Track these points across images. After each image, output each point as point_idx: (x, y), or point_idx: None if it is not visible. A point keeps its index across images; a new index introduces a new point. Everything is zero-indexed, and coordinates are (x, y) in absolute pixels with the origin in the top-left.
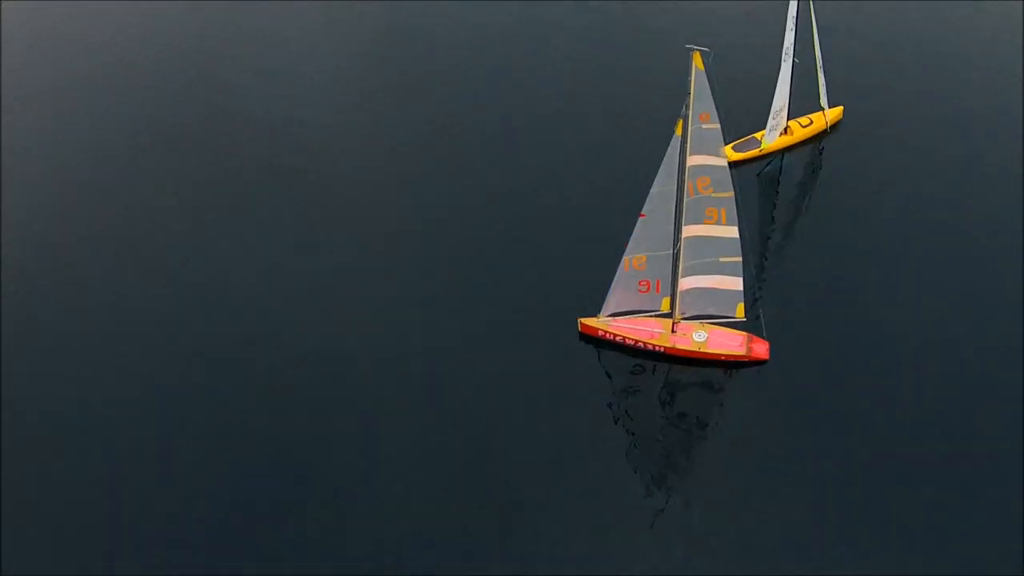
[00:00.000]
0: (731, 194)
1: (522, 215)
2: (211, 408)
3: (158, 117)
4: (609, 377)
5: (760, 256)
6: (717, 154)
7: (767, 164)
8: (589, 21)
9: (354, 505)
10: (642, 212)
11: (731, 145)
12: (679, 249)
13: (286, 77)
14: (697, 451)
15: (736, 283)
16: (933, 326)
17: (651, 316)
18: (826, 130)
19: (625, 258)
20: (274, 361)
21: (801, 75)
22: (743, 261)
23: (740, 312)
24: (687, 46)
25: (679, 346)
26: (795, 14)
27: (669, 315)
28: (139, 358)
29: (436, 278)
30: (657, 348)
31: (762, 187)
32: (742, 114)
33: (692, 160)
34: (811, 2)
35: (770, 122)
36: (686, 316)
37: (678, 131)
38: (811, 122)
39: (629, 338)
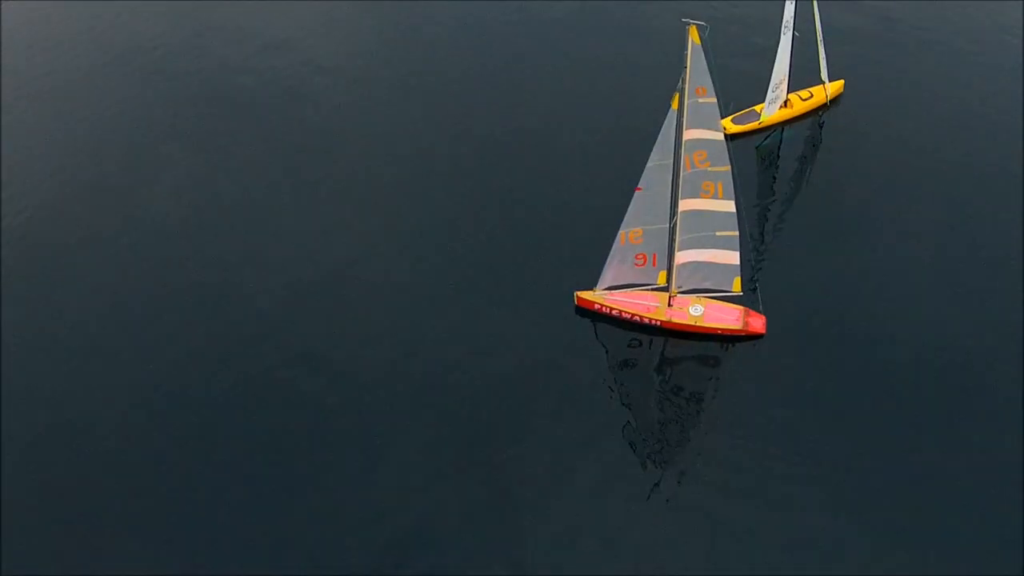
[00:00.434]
0: (727, 168)
1: (518, 188)
2: (209, 401)
3: (158, 116)
4: (605, 350)
5: (758, 230)
6: (714, 128)
7: (766, 137)
8: None
9: (349, 478)
10: (638, 186)
11: (731, 118)
12: (675, 223)
13: (286, 53)
14: (692, 425)
15: (733, 257)
16: (932, 302)
17: (647, 290)
18: (826, 104)
19: (621, 232)
20: (268, 339)
21: (801, 48)
22: (740, 235)
23: (737, 286)
24: (683, 20)
25: (675, 320)
26: None
27: (665, 289)
28: (137, 355)
29: (432, 251)
30: (653, 322)
31: (761, 160)
32: (742, 87)
33: (688, 134)
34: None
35: (769, 95)
36: (682, 290)
37: (674, 105)
38: (811, 95)
39: (625, 312)
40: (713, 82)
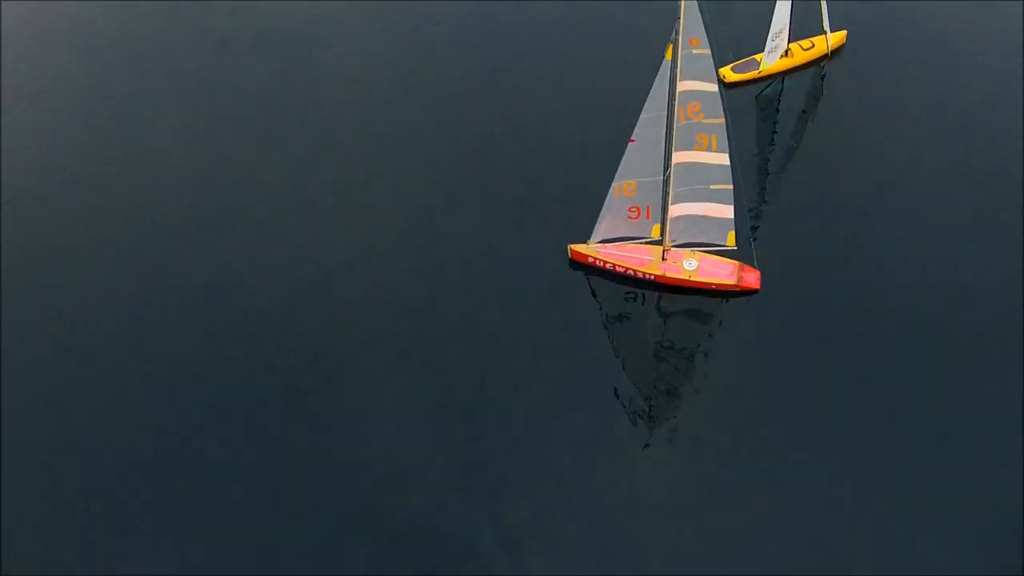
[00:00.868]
0: (722, 120)
1: (511, 140)
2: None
3: (160, 117)
4: (599, 304)
5: (753, 183)
6: (708, 79)
7: (766, 87)
8: None
9: (340, 432)
10: (632, 137)
11: (730, 66)
12: (669, 175)
13: (290, 40)
14: (683, 381)
15: (727, 211)
16: (931, 258)
17: (641, 243)
18: (827, 55)
19: (615, 184)
20: (264, 285)
21: None
22: (736, 188)
23: (731, 241)
24: None
25: (669, 274)
26: None
27: (659, 242)
28: (135, 350)
29: (426, 204)
30: (647, 276)
31: (760, 110)
32: (743, 35)
33: (682, 85)
34: None
35: (769, 44)
36: (676, 243)
37: (668, 56)
38: (812, 46)
39: (619, 265)
40: (707, 33)
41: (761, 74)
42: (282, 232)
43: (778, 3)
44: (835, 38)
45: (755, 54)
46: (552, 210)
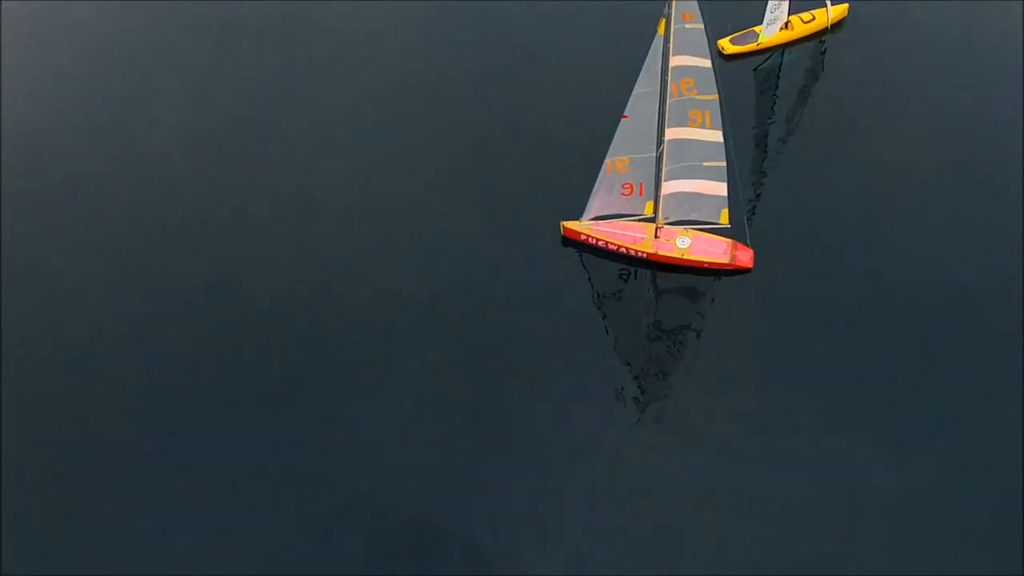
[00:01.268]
0: (715, 97)
1: (503, 116)
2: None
3: (160, 117)
4: (591, 282)
5: (749, 159)
6: (701, 54)
7: (765, 59)
8: None
9: (333, 405)
10: (624, 113)
11: (729, 38)
12: (662, 152)
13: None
14: (675, 359)
15: (720, 188)
16: (928, 238)
17: (634, 220)
18: (828, 28)
19: (607, 160)
20: (262, 275)
21: None
22: (730, 164)
23: (724, 218)
24: None
25: (662, 252)
26: None
27: (652, 219)
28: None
29: (419, 182)
30: (639, 254)
31: (758, 84)
32: (742, 6)
33: (675, 60)
34: None
35: (767, 15)
36: (669, 221)
37: (660, 30)
38: (813, 18)
39: (611, 243)
40: (701, 6)
41: (760, 46)
42: (276, 209)
43: None
44: (836, 11)
45: (754, 26)
46: (545, 186)
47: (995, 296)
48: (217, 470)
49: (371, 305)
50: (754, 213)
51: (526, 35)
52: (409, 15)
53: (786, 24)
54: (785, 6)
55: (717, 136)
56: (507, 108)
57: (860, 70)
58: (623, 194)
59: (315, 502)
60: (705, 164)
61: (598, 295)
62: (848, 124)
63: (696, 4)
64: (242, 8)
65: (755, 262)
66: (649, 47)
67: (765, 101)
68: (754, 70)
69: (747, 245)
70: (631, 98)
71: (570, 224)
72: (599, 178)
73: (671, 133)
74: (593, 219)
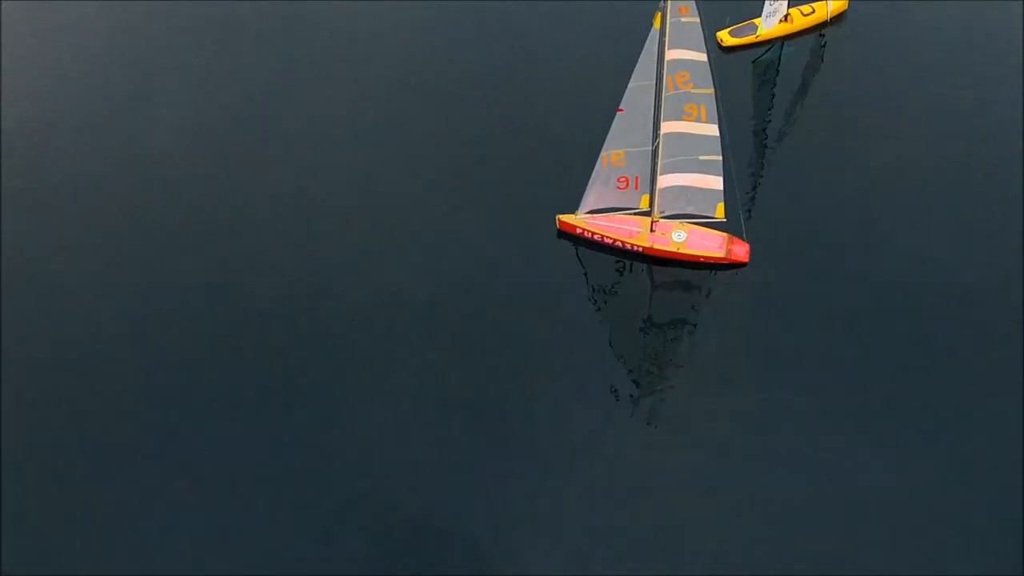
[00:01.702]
0: (711, 91)
1: (499, 110)
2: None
3: (161, 116)
4: (586, 276)
5: (746, 153)
6: (697, 48)
7: (764, 52)
8: None
9: (328, 396)
10: (620, 107)
11: (728, 30)
12: (658, 145)
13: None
14: (670, 353)
15: (716, 182)
16: (925, 234)
17: (630, 214)
18: (828, 21)
19: (603, 154)
20: (260, 274)
21: None
22: (727, 157)
23: (720, 212)
24: None
25: (657, 246)
26: None
27: (648, 213)
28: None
29: (416, 175)
30: (635, 247)
31: (756, 76)
32: None
33: (671, 54)
34: None
35: (767, 7)
36: (665, 214)
37: (656, 24)
38: (813, 11)
39: (607, 236)
40: (697, 2)
41: (759, 39)
42: (276, 208)
43: None
44: (836, 4)
45: (754, 18)
46: (541, 180)
47: (993, 290)
48: (217, 470)
49: (368, 301)
50: (750, 207)
51: (522, 30)
52: (409, 15)
53: (786, 17)
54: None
55: (713, 130)
56: (503, 102)
57: (859, 64)
58: (619, 188)
59: (315, 502)
60: (701, 158)
61: (594, 289)
62: (846, 118)
63: None
64: (242, 8)
65: (751, 256)
66: (645, 40)
67: (763, 94)
68: (753, 62)
69: (743, 239)
70: (627, 91)
71: (566, 218)
72: (595, 172)
73: (667, 127)
74: (589, 213)
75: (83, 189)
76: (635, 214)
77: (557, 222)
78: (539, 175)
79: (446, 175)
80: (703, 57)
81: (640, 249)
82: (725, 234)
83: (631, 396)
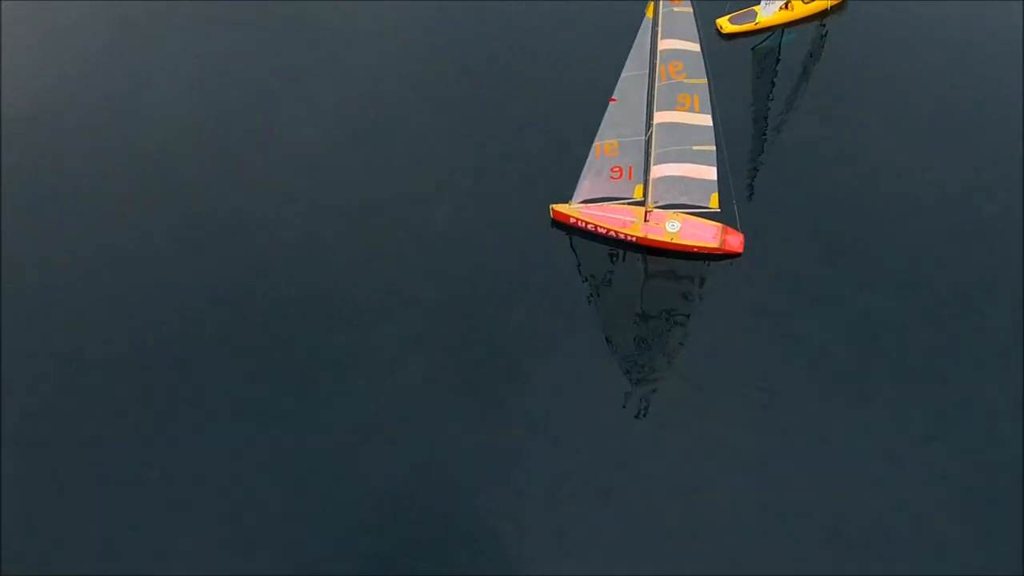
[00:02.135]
0: (704, 81)
1: (492, 99)
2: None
3: (161, 116)
4: (580, 266)
5: (743, 142)
6: (690, 38)
7: (763, 39)
8: None
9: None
10: (612, 96)
11: (728, 17)
12: (651, 135)
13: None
14: (663, 344)
15: (710, 172)
16: (920, 226)
17: (624, 204)
18: (828, 9)
19: (596, 143)
20: (257, 254)
21: None
22: (722, 147)
23: (714, 202)
24: None
25: (651, 236)
26: None
27: (642, 203)
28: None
29: (409, 165)
30: (629, 238)
31: (755, 64)
32: None
33: (664, 44)
34: None
35: None
36: (659, 204)
37: (649, 13)
38: None
39: (601, 226)
40: None
41: (758, 26)
42: (272, 195)
43: None
44: None
45: (754, 5)
46: (534, 170)
47: (992, 282)
48: (217, 470)
49: (362, 292)
50: (745, 197)
51: (516, 22)
52: (408, 15)
53: (786, 4)
54: None
55: (706, 120)
56: (496, 92)
57: (859, 53)
58: (612, 177)
59: (312, 501)
60: (694, 148)
61: (587, 279)
62: (844, 107)
63: None
64: (242, 8)
65: (745, 246)
66: (637, 30)
67: (761, 82)
68: (752, 50)
69: (737, 229)
70: (619, 81)
71: (560, 207)
72: (588, 161)
73: (660, 117)
74: (583, 202)
75: (83, 188)
76: (629, 204)
77: (551, 212)
78: (533, 165)
79: (439, 165)
80: (696, 47)
81: (634, 239)
82: (719, 224)
83: (623, 387)
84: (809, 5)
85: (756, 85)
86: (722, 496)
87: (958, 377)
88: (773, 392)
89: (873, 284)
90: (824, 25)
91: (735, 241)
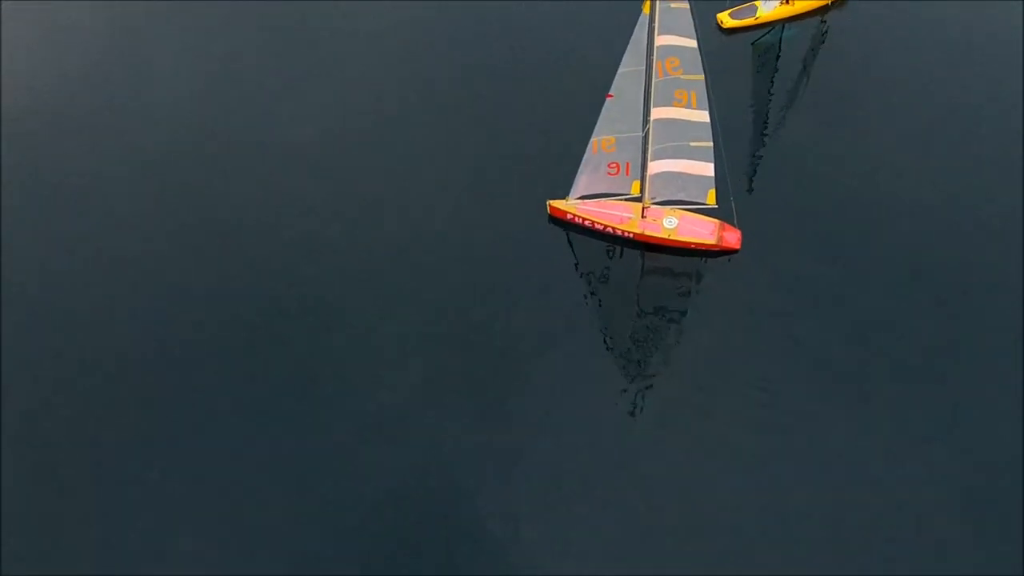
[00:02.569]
0: (701, 77)
1: (489, 95)
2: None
3: (162, 115)
4: (577, 262)
5: (741, 138)
6: (687, 35)
7: (764, 34)
8: None
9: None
10: (609, 92)
11: (728, 12)
12: (648, 131)
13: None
14: (660, 341)
15: (707, 168)
16: (919, 223)
17: (621, 200)
18: (828, 5)
19: (593, 140)
20: (257, 253)
21: None
22: (720, 143)
23: (711, 199)
24: None
25: (648, 232)
26: None
27: (639, 199)
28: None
29: (407, 161)
30: (626, 234)
31: (755, 59)
32: None
33: (660, 40)
34: None
35: None
36: (656, 201)
37: (645, 9)
38: None
39: (598, 222)
40: None
41: (759, 21)
42: (271, 190)
43: None
44: None
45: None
46: (531, 166)
47: (992, 276)
48: (217, 470)
49: (357, 288)
50: (743, 193)
51: (513, 18)
52: (408, 15)
53: None
54: None
55: (703, 116)
56: (493, 88)
57: (860, 49)
58: (609, 174)
59: (312, 501)
60: (692, 144)
61: (584, 275)
62: (843, 104)
63: None
64: (242, 8)
65: (743, 243)
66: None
67: (760, 77)
68: (752, 44)
69: (735, 226)
70: (616, 77)
71: (557, 203)
72: (585, 157)
73: (657, 113)
74: (580, 198)
75: (83, 188)
76: (626, 200)
77: (548, 208)
78: (530, 161)
79: (437, 161)
80: (693, 43)
81: (631, 235)
82: (717, 221)
83: (621, 385)
84: (810, 0)
85: (755, 80)
86: (722, 496)
87: (958, 377)
88: (771, 390)
89: (871, 281)
90: (825, 21)
91: (733, 238)
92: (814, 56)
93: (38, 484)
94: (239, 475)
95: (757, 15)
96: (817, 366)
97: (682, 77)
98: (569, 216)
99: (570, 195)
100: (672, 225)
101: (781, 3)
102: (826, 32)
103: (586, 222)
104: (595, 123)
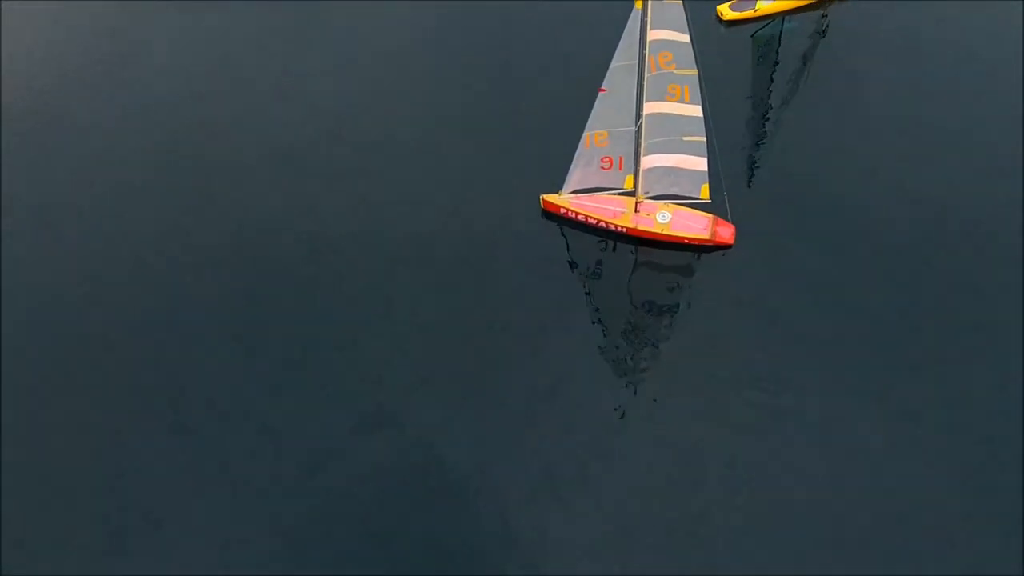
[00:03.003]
0: (694, 72)
1: (482, 89)
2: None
3: (162, 115)
4: (570, 256)
5: (736, 132)
6: (679, 29)
7: (763, 26)
8: None
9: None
10: (602, 87)
11: (729, 3)
12: (641, 126)
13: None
14: (652, 336)
15: (700, 163)
16: (916, 220)
17: (614, 194)
18: None
19: (586, 134)
20: (257, 253)
21: None
22: (713, 137)
23: (705, 193)
24: None
25: (641, 227)
26: None
27: (632, 193)
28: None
29: (399, 154)
30: (619, 228)
31: (755, 51)
32: None
33: (653, 34)
34: None
35: None
36: (649, 195)
37: (638, 4)
38: None
39: (591, 217)
40: None
41: (759, 13)
42: (269, 187)
43: None
44: None
45: None
46: (525, 160)
47: (990, 272)
48: (217, 469)
49: (352, 283)
50: (737, 188)
51: (508, 14)
52: (407, 14)
53: None
54: None
55: (696, 111)
56: (487, 82)
57: (859, 43)
58: (602, 168)
59: (312, 500)
60: (684, 139)
61: (576, 270)
62: (840, 98)
63: None
64: (243, 8)
65: (736, 238)
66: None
67: (759, 71)
68: (751, 36)
69: (728, 221)
70: (609, 71)
71: (550, 197)
72: (578, 152)
73: (649, 107)
74: (573, 192)
75: (83, 188)
76: (619, 194)
77: (541, 202)
78: (523, 155)
79: (430, 155)
80: (685, 38)
81: (624, 230)
82: (711, 215)
83: (612, 378)
84: None
85: (752, 73)
86: (714, 491)
87: (954, 370)
88: (764, 385)
89: (865, 276)
90: (826, 16)
91: (726, 232)
92: (813, 49)
93: (38, 483)
94: (239, 474)
95: (757, 7)
96: (810, 360)
97: (675, 72)
98: (562, 210)
99: (563, 189)
100: (665, 220)
101: None
102: (826, 27)
103: (579, 216)
104: (588, 117)
